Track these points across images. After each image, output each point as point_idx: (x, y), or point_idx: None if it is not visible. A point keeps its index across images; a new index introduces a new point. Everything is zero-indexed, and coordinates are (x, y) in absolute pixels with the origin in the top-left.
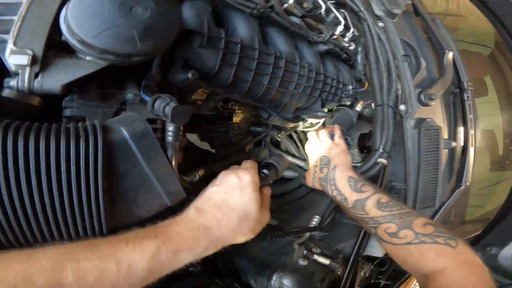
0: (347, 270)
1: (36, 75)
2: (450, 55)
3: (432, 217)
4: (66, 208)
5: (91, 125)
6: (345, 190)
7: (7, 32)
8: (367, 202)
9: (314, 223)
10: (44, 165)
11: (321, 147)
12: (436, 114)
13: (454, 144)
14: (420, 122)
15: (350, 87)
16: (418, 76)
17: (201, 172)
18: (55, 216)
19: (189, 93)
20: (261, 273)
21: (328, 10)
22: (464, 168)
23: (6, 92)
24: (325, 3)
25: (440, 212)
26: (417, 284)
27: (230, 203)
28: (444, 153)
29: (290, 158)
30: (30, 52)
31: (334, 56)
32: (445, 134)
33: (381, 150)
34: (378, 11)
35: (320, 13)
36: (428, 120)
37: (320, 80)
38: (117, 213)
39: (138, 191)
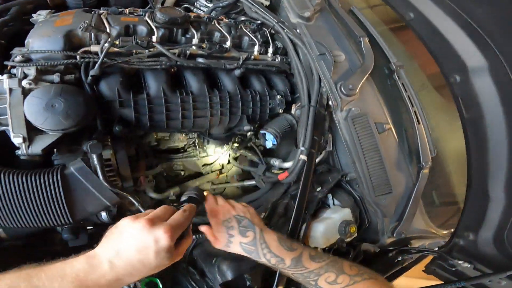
0: None
1: (28, 147)
2: (365, 41)
3: (406, 202)
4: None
5: (57, 167)
6: (280, 251)
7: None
8: (303, 258)
9: None
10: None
11: (234, 208)
12: (369, 100)
13: (387, 126)
14: (347, 113)
15: (278, 96)
16: (335, 70)
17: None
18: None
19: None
20: (209, 261)
21: (239, 36)
22: (418, 148)
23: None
24: (231, 31)
25: (413, 196)
26: None
27: (144, 264)
28: (387, 136)
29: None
30: (20, 135)
31: (259, 73)
32: (382, 118)
33: (301, 148)
34: (294, 19)
35: (222, 46)
36: (353, 109)
37: (237, 101)
38: (76, 210)
39: (87, 197)
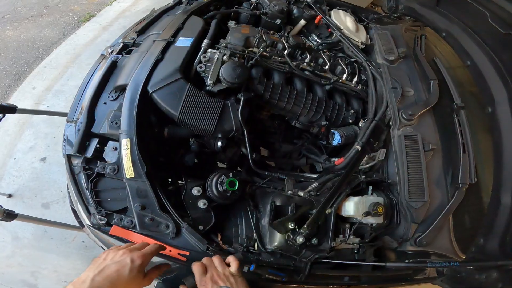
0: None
1: (212, 86)
2: (435, 83)
3: (436, 216)
4: None
5: (222, 100)
6: None
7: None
8: None
9: None
10: None
11: (220, 277)
12: (425, 127)
13: (432, 146)
14: (403, 132)
15: (352, 111)
16: (401, 100)
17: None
18: None
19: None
20: (266, 196)
21: (335, 64)
22: (459, 171)
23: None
24: (330, 60)
25: (444, 210)
26: None
27: (119, 278)
28: (433, 155)
29: None
30: (212, 80)
31: (342, 93)
32: (431, 141)
33: (358, 141)
34: (380, 60)
35: (322, 68)
36: (408, 129)
37: (322, 103)
38: (218, 124)
39: (227, 118)
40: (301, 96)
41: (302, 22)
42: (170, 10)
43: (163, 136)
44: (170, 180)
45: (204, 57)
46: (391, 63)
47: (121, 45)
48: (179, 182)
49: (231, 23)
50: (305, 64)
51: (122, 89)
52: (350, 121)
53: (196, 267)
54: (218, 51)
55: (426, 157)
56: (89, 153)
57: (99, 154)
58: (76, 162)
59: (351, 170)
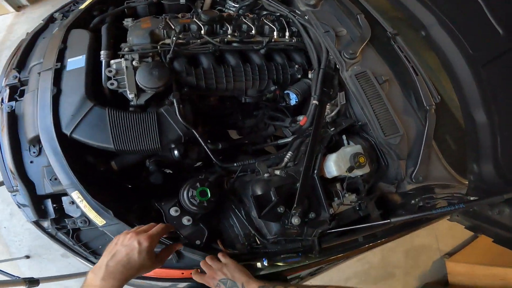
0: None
1: (136, 100)
2: (361, 17)
3: (418, 146)
4: None
5: (153, 110)
6: None
7: (125, 88)
8: None
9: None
10: None
11: (216, 273)
12: (370, 61)
13: (384, 78)
14: (352, 72)
15: (296, 66)
16: (337, 42)
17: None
18: None
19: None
20: (245, 187)
21: (261, 26)
22: (420, 96)
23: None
24: (254, 22)
25: (424, 137)
26: None
27: (130, 262)
28: (390, 86)
29: None
30: (133, 93)
31: (280, 51)
32: (383, 73)
33: (313, 95)
34: (303, 7)
35: (249, 33)
36: (355, 68)
37: (263, 69)
38: (162, 138)
39: (169, 128)
40: (238, 70)
41: None
42: (43, 31)
43: (114, 170)
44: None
45: (110, 71)
46: (314, 7)
47: (7, 90)
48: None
49: (127, 22)
50: (229, 36)
51: (38, 140)
52: (299, 76)
53: (196, 276)
54: (123, 58)
55: (383, 89)
56: (51, 214)
57: (60, 210)
58: (46, 224)
59: (318, 127)
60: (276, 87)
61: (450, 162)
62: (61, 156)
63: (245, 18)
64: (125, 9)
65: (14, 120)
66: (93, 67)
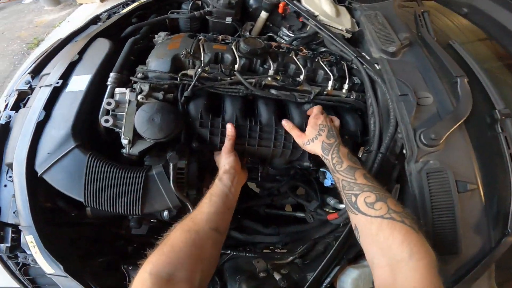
0: None
1: (130, 148)
2: (463, 81)
3: (474, 265)
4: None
5: (144, 168)
6: (344, 157)
7: (120, 128)
8: (357, 171)
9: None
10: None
11: (327, 120)
12: (456, 153)
13: (471, 186)
14: (424, 164)
15: (346, 137)
16: (416, 114)
17: None
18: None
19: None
20: (233, 277)
21: (314, 69)
22: (508, 214)
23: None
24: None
25: (484, 260)
26: None
27: (225, 163)
28: (471, 196)
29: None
30: (128, 138)
31: (333, 109)
32: (469, 176)
33: None
34: (376, 53)
35: (295, 80)
36: (431, 162)
37: None
38: (146, 205)
39: (157, 196)
40: (268, 131)
41: (263, 14)
42: (81, 32)
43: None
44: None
45: (109, 103)
46: (392, 55)
47: (15, 95)
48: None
49: (159, 36)
50: (269, 78)
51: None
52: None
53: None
54: (128, 89)
55: (462, 200)
56: (7, 242)
57: (18, 242)
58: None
59: (351, 233)
60: (310, 164)
61: (500, 282)
62: (25, 196)
63: (296, 54)
64: (166, 20)
65: (4, 134)
66: (97, 93)
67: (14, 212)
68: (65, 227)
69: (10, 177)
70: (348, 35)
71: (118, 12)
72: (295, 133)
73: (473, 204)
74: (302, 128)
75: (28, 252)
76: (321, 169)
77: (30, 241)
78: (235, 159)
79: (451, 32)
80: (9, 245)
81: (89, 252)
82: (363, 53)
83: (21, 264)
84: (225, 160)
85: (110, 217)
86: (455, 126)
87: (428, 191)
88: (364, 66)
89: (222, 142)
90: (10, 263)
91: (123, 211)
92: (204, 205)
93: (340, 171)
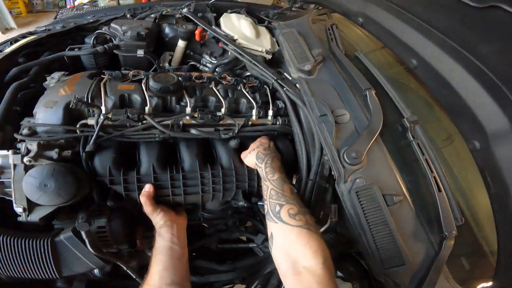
0: None
1: (27, 215)
2: (371, 94)
3: (426, 271)
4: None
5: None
6: (276, 170)
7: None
8: (285, 184)
9: None
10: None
11: (265, 139)
12: (378, 167)
13: (398, 198)
14: (352, 184)
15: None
16: (338, 134)
17: None
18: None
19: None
20: None
21: (236, 99)
22: (440, 217)
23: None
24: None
25: (434, 266)
26: None
27: None
28: (400, 207)
29: None
30: (21, 206)
31: None
32: (394, 188)
33: None
34: (295, 73)
35: (215, 115)
36: (358, 180)
37: (231, 176)
38: (63, 269)
39: (74, 260)
40: (193, 177)
41: (181, 43)
42: None
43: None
44: None
45: None
46: (309, 74)
47: None
48: None
49: (52, 78)
50: (187, 117)
51: None
52: None
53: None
54: (11, 151)
55: (392, 213)
56: None
57: None
58: None
59: None
60: (247, 203)
61: (461, 280)
62: None
63: (217, 84)
64: (65, 58)
65: None
66: None
67: None
68: None
69: None
70: (269, 56)
71: (2, 51)
72: (242, 155)
73: (404, 214)
74: (230, 166)
75: None
76: (259, 203)
77: None
78: (165, 213)
79: (358, 42)
80: None
81: None
82: (285, 74)
83: None
84: (155, 218)
85: (29, 279)
86: (372, 141)
87: (361, 209)
88: (284, 88)
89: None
90: None
91: (40, 277)
92: (153, 265)
93: (271, 180)
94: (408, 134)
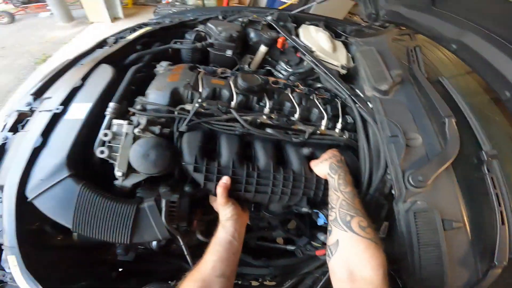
0: None
1: (123, 180)
2: (451, 123)
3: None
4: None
5: (136, 201)
6: (349, 183)
7: (115, 160)
8: (356, 198)
9: None
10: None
11: (337, 152)
12: (443, 194)
13: (457, 224)
14: (411, 204)
15: None
16: (405, 155)
17: None
18: None
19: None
20: None
21: (309, 108)
22: (495, 248)
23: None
24: (301, 102)
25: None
26: None
27: None
28: (456, 233)
29: None
30: (121, 171)
31: (328, 148)
32: (455, 215)
33: None
34: (369, 91)
35: (289, 120)
36: (419, 202)
37: (300, 181)
38: (135, 235)
39: (147, 228)
40: (266, 176)
41: (263, 48)
42: (87, 55)
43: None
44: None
45: (106, 134)
46: (384, 94)
47: (15, 116)
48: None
49: (160, 66)
50: (264, 116)
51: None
52: None
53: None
54: (126, 121)
55: (447, 238)
56: None
57: None
58: None
59: None
60: (310, 210)
61: None
62: (12, 218)
63: (292, 91)
64: (169, 50)
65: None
66: (95, 122)
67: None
68: (48, 249)
69: (0, 197)
70: (344, 72)
71: (125, 38)
72: (318, 159)
73: (459, 240)
74: (301, 173)
75: (7, 270)
76: (314, 210)
77: (12, 261)
78: (235, 206)
79: (442, 65)
80: None
81: (70, 275)
82: (357, 90)
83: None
84: (224, 210)
85: (97, 243)
86: (442, 168)
87: (415, 229)
88: (357, 105)
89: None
90: None
91: (112, 240)
92: (209, 254)
93: (343, 191)
94: (484, 168)
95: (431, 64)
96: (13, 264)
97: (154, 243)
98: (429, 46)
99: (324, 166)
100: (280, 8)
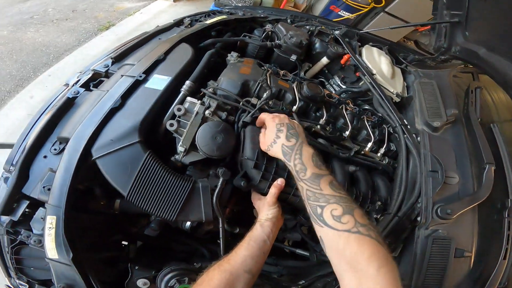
0: None
1: (183, 156)
2: (490, 170)
3: None
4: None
5: (191, 178)
6: (308, 163)
7: (180, 135)
8: (322, 179)
9: None
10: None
11: (285, 118)
12: (462, 228)
13: (467, 254)
14: (432, 232)
15: (378, 203)
16: (441, 192)
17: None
18: None
19: None
20: None
21: (359, 128)
22: (489, 278)
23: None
24: (353, 121)
25: None
26: None
27: None
28: (462, 262)
29: None
30: (184, 147)
31: (365, 172)
32: (466, 246)
33: None
34: (420, 125)
35: (341, 135)
36: (440, 231)
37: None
38: (182, 212)
39: (195, 207)
40: None
41: (324, 60)
42: (165, 31)
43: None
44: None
45: (179, 109)
46: (434, 130)
47: (90, 74)
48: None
49: (231, 56)
50: (318, 127)
51: (66, 141)
52: (375, 216)
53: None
54: (200, 101)
55: (454, 263)
56: (16, 216)
57: (28, 218)
58: (3, 219)
59: None
60: None
61: None
62: (70, 174)
63: (346, 109)
64: (238, 42)
65: (67, 107)
66: (170, 95)
67: (44, 187)
68: (83, 213)
69: (55, 149)
70: (397, 99)
71: (200, 21)
72: (261, 139)
73: (462, 267)
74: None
75: (35, 231)
76: None
77: (50, 222)
78: (278, 209)
79: (499, 107)
80: (15, 219)
81: (96, 244)
82: (405, 121)
83: (18, 241)
84: (268, 210)
85: (134, 213)
86: (470, 207)
87: (429, 253)
88: (405, 136)
89: (269, 187)
90: (4, 238)
91: (157, 213)
92: (242, 248)
93: (304, 180)
94: (505, 213)
95: (488, 107)
96: (50, 226)
97: (188, 223)
98: (490, 87)
99: (277, 152)
100: (334, 20)
